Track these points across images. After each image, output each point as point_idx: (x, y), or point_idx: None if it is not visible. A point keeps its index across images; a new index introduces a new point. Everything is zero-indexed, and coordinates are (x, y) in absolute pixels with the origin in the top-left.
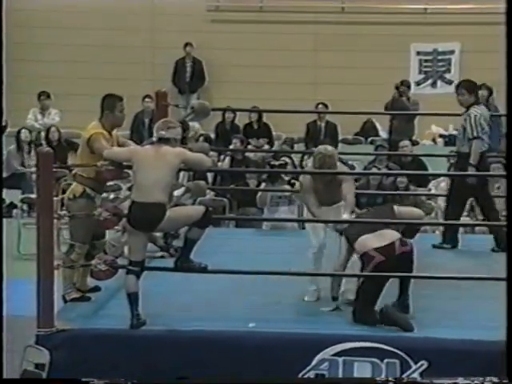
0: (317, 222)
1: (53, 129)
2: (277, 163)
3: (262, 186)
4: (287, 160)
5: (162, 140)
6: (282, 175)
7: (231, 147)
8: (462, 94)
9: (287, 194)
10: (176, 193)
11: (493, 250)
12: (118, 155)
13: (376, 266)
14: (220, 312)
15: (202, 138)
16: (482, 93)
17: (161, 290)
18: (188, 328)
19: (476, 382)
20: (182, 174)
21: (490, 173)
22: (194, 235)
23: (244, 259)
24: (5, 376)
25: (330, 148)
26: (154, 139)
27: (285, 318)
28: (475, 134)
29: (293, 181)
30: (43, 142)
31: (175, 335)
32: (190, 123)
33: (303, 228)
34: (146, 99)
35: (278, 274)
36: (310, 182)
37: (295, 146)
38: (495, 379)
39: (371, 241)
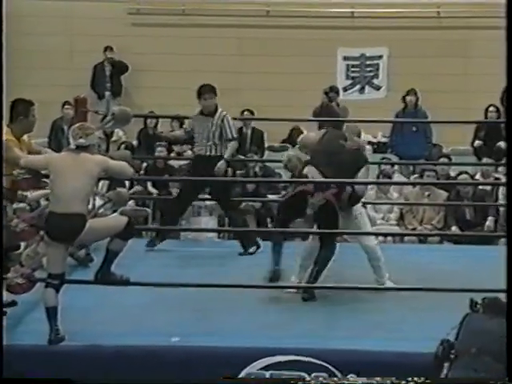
0: (250, 231)
1: None
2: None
3: None
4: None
5: (80, 147)
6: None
7: (155, 155)
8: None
9: (208, 203)
10: (96, 203)
11: (240, 254)
12: (34, 163)
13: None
14: (142, 326)
15: (123, 146)
16: (410, 99)
17: (81, 304)
18: (109, 343)
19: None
20: (101, 182)
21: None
22: (116, 247)
23: (167, 271)
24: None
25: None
26: (72, 146)
27: (210, 332)
28: (230, 136)
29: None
30: None
31: (96, 350)
32: (115, 130)
33: (220, 237)
34: (66, 106)
35: (202, 287)
36: None
37: None
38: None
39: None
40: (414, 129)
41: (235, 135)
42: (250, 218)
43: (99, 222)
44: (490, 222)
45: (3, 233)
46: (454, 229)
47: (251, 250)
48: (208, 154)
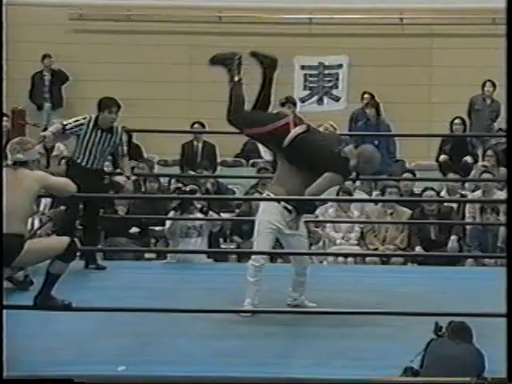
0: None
1: None
2: (187, 189)
3: (171, 214)
4: (195, 187)
5: (19, 163)
6: (195, 203)
7: None
8: None
9: (197, 224)
10: (36, 222)
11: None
12: None
13: None
14: (86, 354)
15: (64, 161)
16: (370, 110)
17: (20, 331)
18: (51, 372)
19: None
20: (43, 201)
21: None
22: (57, 269)
23: (114, 295)
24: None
25: None
26: (10, 162)
27: (158, 361)
28: (125, 152)
29: (205, 209)
30: None
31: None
32: (56, 144)
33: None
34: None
35: (152, 311)
36: None
37: (170, 169)
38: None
39: None
40: (376, 142)
41: (128, 150)
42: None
43: (39, 243)
44: (452, 242)
45: None
46: (418, 249)
47: (92, 266)
48: (93, 167)
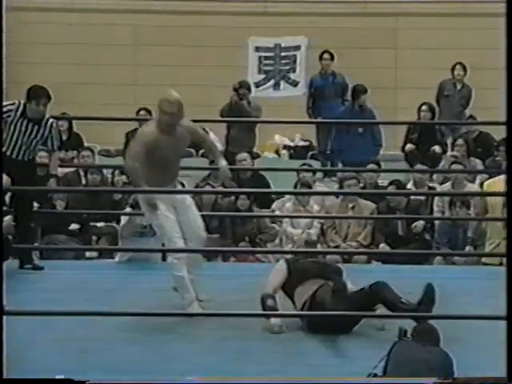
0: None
1: None
2: None
3: (127, 211)
4: None
5: None
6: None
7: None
8: None
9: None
10: None
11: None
12: None
13: None
14: (20, 361)
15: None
16: (364, 96)
17: None
18: None
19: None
20: None
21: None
22: None
23: (51, 298)
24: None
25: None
26: None
27: (101, 366)
28: (56, 146)
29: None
30: None
31: None
32: None
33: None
34: None
35: (93, 315)
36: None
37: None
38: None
39: None
40: (361, 130)
41: (59, 145)
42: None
43: None
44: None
45: None
46: (383, 246)
47: (28, 266)
48: (24, 158)
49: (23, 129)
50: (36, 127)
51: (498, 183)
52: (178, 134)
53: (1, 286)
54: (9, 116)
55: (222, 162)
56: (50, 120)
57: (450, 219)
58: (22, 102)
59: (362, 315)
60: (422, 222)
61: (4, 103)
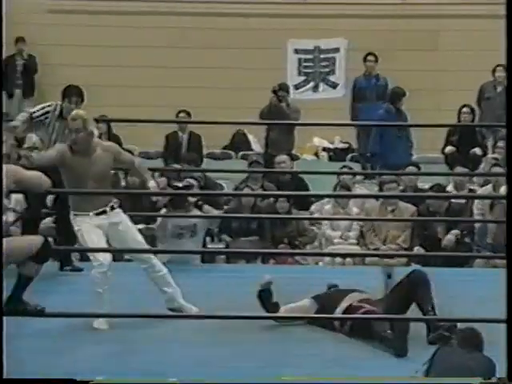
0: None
1: None
2: (180, 185)
3: (163, 212)
4: (192, 181)
5: None
6: (189, 199)
7: None
8: None
9: (192, 222)
10: (10, 219)
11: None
12: None
13: None
14: (61, 364)
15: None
16: (401, 99)
17: None
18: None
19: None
20: (14, 197)
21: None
22: (29, 271)
23: (90, 300)
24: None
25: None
26: None
27: (140, 369)
28: None
29: (200, 202)
30: None
31: None
32: (27, 135)
33: (203, 261)
34: None
35: (131, 317)
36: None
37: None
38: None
39: None
40: (400, 133)
41: None
42: None
43: (9, 243)
44: (450, 236)
45: None
46: (417, 249)
47: (67, 267)
48: None
49: (61, 129)
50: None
51: None
52: (94, 154)
53: (1, 285)
54: (46, 118)
55: (151, 183)
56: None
57: (489, 222)
58: (59, 103)
59: (391, 318)
60: (454, 233)
61: (41, 105)
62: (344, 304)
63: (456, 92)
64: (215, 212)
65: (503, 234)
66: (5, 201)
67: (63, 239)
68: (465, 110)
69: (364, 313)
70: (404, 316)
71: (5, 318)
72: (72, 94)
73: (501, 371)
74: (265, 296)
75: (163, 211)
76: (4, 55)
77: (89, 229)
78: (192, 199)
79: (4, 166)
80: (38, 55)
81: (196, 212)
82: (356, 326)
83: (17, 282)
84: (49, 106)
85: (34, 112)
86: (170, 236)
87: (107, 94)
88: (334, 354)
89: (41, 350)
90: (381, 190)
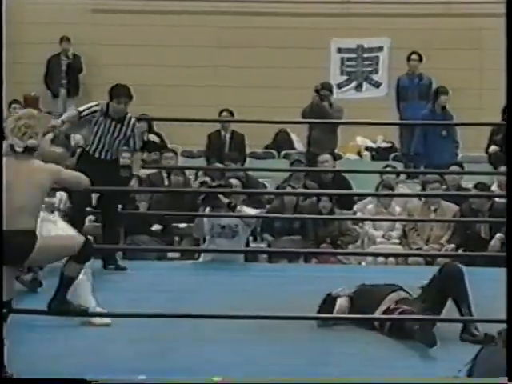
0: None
1: None
2: (214, 184)
3: (200, 211)
4: (235, 181)
5: (28, 150)
6: (222, 198)
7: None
8: None
9: (232, 222)
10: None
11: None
12: None
13: None
14: (104, 362)
15: (78, 151)
16: (445, 98)
17: (33, 337)
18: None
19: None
20: (58, 194)
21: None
22: (72, 271)
23: (134, 298)
24: None
25: None
26: (18, 149)
27: (181, 368)
28: (138, 146)
29: (233, 204)
30: None
31: None
32: (71, 134)
33: (246, 260)
34: (13, 105)
35: (174, 317)
36: None
37: (194, 160)
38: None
39: None
40: (444, 133)
41: (141, 145)
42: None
43: (51, 242)
44: (495, 240)
45: None
46: (452, 247)
47: (111, 266)
48: (107, 158)
49: (106, 128)
50: (119, 126)
51: None
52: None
53: (0, 285)
54: (93, 117)
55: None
56: (133, 119)
57: None
58: (106, 102)
59: (427, 319)
60: (499, 238)
61: (89, 104)
62: (383, 307)
63: (498, 91)
64: (252, 212)
65: None
66: (51, 200)
67: (107, 237)
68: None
69: (400, 313)
70: (436, 316)
71: (49, 317)
72: (120, 93)
73: None
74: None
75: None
76: (49, 55)
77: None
78: (224, 200)
79: (46, 166)
80: (82, 55)
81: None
82: (394, 326)
83: (59, 282)
84: (96, 105)
85: (83, 111)
86: (210, 235)
87: (152, 93)
88: (372, 354)
89: (80, 349)
90: (424, 189)
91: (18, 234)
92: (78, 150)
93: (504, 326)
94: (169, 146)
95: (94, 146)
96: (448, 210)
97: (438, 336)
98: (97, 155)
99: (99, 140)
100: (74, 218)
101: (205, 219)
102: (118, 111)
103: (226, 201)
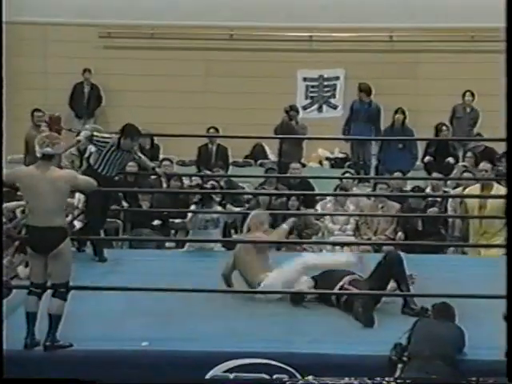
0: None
1: None
2: (208, 186)
3: (192, 208)
4: (214, 183)
5: (47, 157)
6: (214, 197)
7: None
8: None
9: (215, 216)
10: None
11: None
12: (5, 180)
13: None
14: (114, 331)
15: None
16: (398, 117)
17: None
18: (82, 347)
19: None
20: (77, 195)
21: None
22: (56, 309)
23: (140, 279)
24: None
25: None
26: (39, 155)
27: (177, 337)
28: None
29: (224, 201)
30: None
31: (70, 354)
32: (88, 146)
33: (228, 248)
34: (36, 113)
35: (169, 291)
36: None
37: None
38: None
39: None
40: (400, 146)
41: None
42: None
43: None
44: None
45: None
46: (400, 235)
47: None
48: (109, 175)
49: (116, 157)
50: (126, 154)
51: (474, 190)
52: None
53: (0, 284)
54: (104, 147)
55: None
56: (136, 147)
57: (458, 217)
58: (117, 137)
59: (379, 294)
60: (435, 209)
61: (105, 135)
62: (339, 284)
63: (433, 113)
64: (236, 209)
65: (465, 227)
66: (71, 200)
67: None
68: (444, 127)
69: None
70: (385, 292)
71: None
72: (132, 133)
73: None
74: None
75: (193, 207)
76: (69, 83)
77: None
78: (217, 198)
79: (64, 173)
80: (98, 83)
81: (219, 209)
82: (347, 302)
83: (49, 323)
84: (109, 138)
85: (96, 136)
86: (197, 227)
87: (152, 113)
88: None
89: (99, 321)
90: (374, 190)
91: (46, 229)
92: (85, 164)
93: (438, 300)
94: (164, 156)
95: (102, 167)
96: (392, 208)
97: (383, 310)
98: (105, 173)
99: (107, 162)
100: (91, 215)
101: (191, 215)
102: (128, 146)
103: (218, 199)
